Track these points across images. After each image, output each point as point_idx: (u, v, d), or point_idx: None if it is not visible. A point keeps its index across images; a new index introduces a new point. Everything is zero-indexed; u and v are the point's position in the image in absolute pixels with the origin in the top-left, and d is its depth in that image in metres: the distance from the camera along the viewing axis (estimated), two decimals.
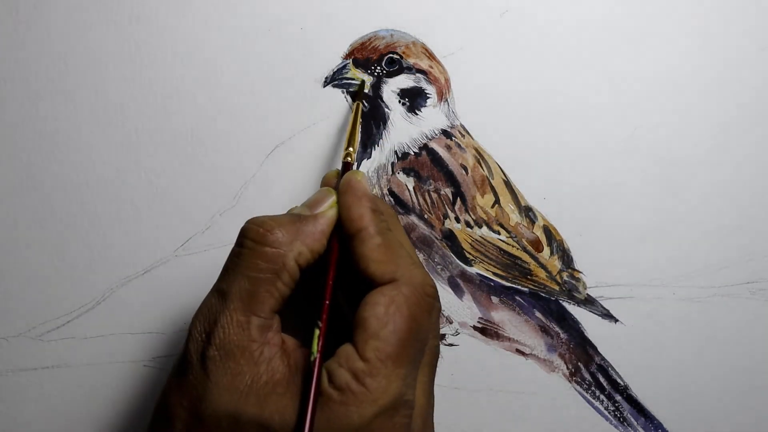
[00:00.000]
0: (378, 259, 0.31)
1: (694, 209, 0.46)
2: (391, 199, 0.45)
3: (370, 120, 0.45)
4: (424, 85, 0.45)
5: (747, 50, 0.46)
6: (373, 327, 0.29)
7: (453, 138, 0.45)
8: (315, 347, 0.30)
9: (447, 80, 0.45)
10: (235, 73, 0.45)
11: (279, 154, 0.45)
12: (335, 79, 0.45)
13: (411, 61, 0.45)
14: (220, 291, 0.32)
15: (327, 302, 0.31)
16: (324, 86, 0.45)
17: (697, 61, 0.46)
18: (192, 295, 0.45)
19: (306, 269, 0.32)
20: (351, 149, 0.39)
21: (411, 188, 0.45)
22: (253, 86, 0.45)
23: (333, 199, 0.34)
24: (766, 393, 0.46)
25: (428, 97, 0.45)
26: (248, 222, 0.32)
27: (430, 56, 0.45)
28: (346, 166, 0.38)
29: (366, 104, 0.45)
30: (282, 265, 0.31)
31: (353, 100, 0.44)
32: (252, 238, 0.32)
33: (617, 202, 0.46)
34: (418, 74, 0.45)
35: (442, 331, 0.45)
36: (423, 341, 0.31)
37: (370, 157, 0.45)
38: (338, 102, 0.45)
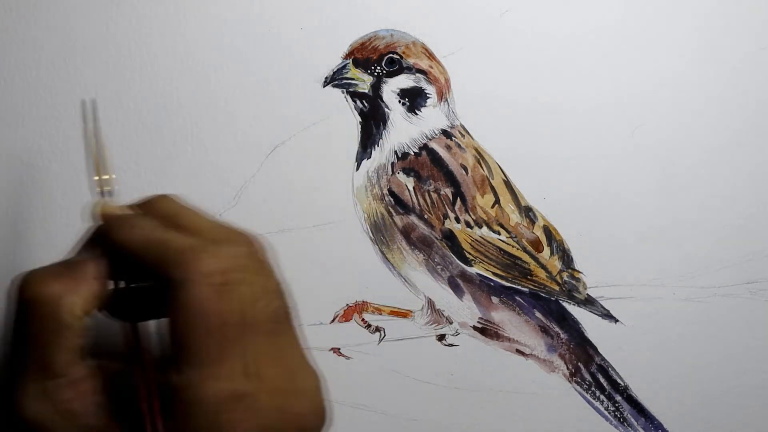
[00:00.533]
0: (160, 264, 0.29)
1: (694, 209, 0.46)
2: (392, 199, 0.45)
3: (370, 120, 0.45)
4: (424, 85, 0.45)
5: (747, 50, 0.46)
6: (179, 339, 0.28)
7: (453, 138, 0.45)
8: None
9: (447, 80, 0.45)
10: (236, 72, 0.45)
11: (279, 154, 0.45)
12: (335, 79, 0.45)
13: (411, 61, 0.45)
14: (17, 362, 0.30)
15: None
16: (324, 86, 0.45)
17: (697, 61, 0.46)
18: None
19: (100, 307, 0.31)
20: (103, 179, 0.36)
21: (411, 188, 0.45)
22: (253, 86, 0.45)
23: (92, 251, 0.32)
24: (766, 393, 0.46)
25: (428, 97, 0.45)
26: (22, 281, 0.31)
27: (430, 56, 0.45)
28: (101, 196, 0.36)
29: (366, 104, 0.45)
30: (60, 322, 0.29)
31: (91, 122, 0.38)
32: (26, 300, 0.30)
33: (617, 203, 0.46)
34: (418, 74, 0.45)
35: (441, 331, 0.45)
36: (236, 326, 0.29)
37: (370, 157, 0.45)
38: (338, 102, 0.45)
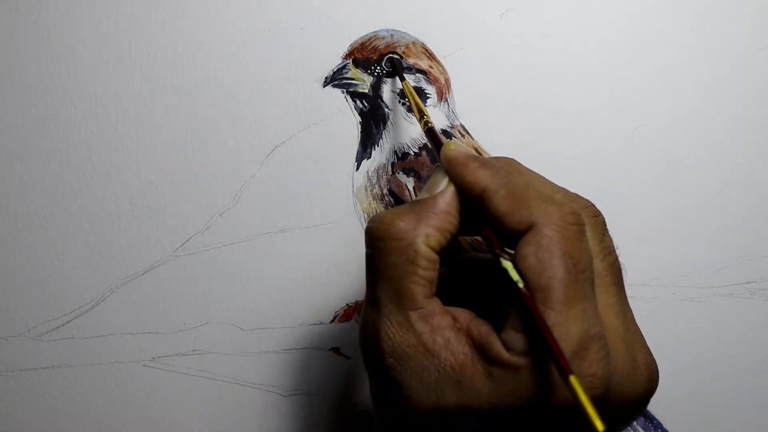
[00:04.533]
0: (508, 210, 0.30)
1: (694, 209, 0.46)
2: (392, 199, 0.45)
3: (370, 120, 0.45)
4: (423, 85, 0.45)
5: (747, 50, 0.46)
6: (533, 281, 0.29)
7: (453, 138, 0.45)
8: (515, 276, 0.29)
9: (447, 80, 0.45)
10: (235, 72, 0.45)
11: (279, 154, 0.45)
12: (335, 79, 0.45)
13: (411, 61, 0.45)
14: (370, 300, 0.31)
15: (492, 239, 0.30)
16: (324, 86, 0.45)
17: (697, 61, 0.46)
18: (192, 295, 0.45)
19: (447, 248, 0.32)
20: (426, 117, 0.39)
21: (411, 188, 0.45)
22: (253, 86, 0.45)
23: (446, 178, 0.33)
24: (766, 393, 0.46)
25: (428, 97, 0.45)
26: (370, 222, 0.32)
27: (430, 56, 0.45)
28: (431, 132, 0.38)
29: (366, 104, 0.45)
30: (414, 252, 0.30)
31: (400, 79, 0.43)
32: (376, 237, 0.31)
33: (617, 202, 0.46)
34: (417, 74, 0.45)
35: None
36: (587, 268, 0.29)
37: (369, 157, 0.45)
38: (338, 102, 0.45)
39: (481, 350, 0.29)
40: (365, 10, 0.45)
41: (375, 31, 0.45)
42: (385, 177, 0.45)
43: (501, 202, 0.30)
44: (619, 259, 0.32)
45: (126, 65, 0.45)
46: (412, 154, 0.45)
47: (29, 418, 0.45)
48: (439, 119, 0.45)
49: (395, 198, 0.45)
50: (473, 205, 0.32)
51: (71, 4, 0.45)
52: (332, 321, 0.45)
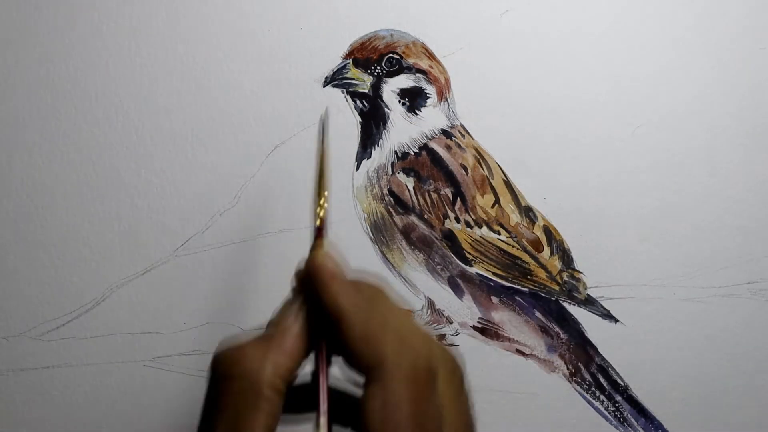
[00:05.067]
0: (361, 350, 0.29)
1: (695, 210, 0.46)
2: (392, 199, 0.45)
3: (370, 120, 0.45)
4: (424, 84, 0.45)
5: (748, 50, 0.46)
6: (377, 425, 0.28)
7: (453, 138, 0.45)
8: None
9: (447, 80, 0.45)
10: (235, 73, 0.45)
11: (279, 154, 0.45)
12: (335, 79, 0.45)
13: (411, 60, 0.45)
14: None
15: (324, 414, 0.30)
16: (324, 86, 0.45)
17: (698, 61, 0.46)
18: (192, 295, 0.45)
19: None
20: (322, 203, 0.36)
21: (411, 188, 0.45)
22: (253, 86, 0.45)
23: (296, 310, 0.32)
24: (766, 393, 0.46)
25: (428, 97, 0.45)
26: (214, 358, 0.30)
27: (430, 56, 0.45)
28: (318, 232, 0.35)
29: (366, 104, 0.45)
30: (258, 394, 0.29)
31: (320, 139, 0.38)
32: (222, 376, 0.30)
33: (618, 203, 0.46)
34: (418, 74, 0.45)
35: (441, 331, 0.45)
36: (435, 418, 0.29)
37: (369, 157, 0.45)
38: (338, 102, 0.45)
39: None
40: (365, 10, 0.45)
41: (375, 31, 0.45)
42: (385, 177, 0.45)
43: (355, 339, 0.29)
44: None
45: (126, 66, 0.45)
46: (412, 154, 0.45)
47: (29, 417, 0.45)
48: (439, 119, 0.45)
49: (395, 198, 0.45)
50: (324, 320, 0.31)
51: (71, 4, 0.45)
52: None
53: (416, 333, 0.31)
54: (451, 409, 0.30)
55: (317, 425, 0.29)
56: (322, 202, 0.35)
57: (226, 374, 0.29)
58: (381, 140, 0.45)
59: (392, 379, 0.28)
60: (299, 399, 0.31)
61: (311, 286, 0.31)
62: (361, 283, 0.32)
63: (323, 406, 0.30)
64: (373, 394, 0.28)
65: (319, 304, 0.30)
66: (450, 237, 0.45)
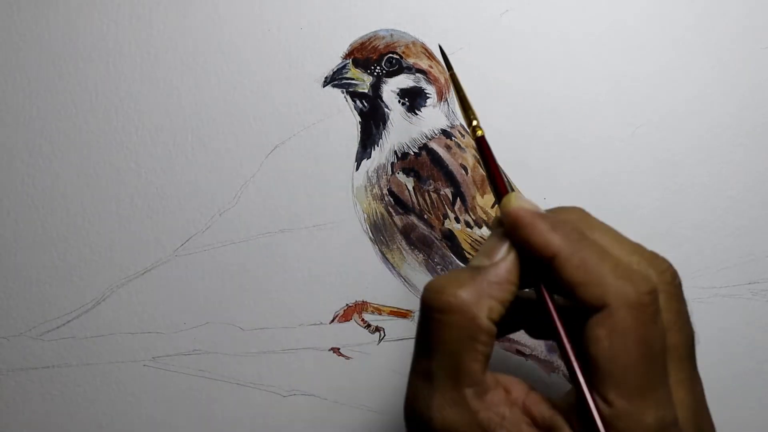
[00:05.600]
0: (580, 283, 0.28)
1: (695, 210, 0.46)
2: (391, 199, 0.45)
3: (370, 120, 0.45)
4: (423, 84, 0.45)
5: (749, 49, 0.46)
6: (605, 367, 0.27)
7: (453, 138, 0.45)
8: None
9: (447, 80, 0.45)
10: (235, 72, 0.45)
11: (279, 154, 0.45)
12: (335, 79, 0.45)
13: (411, 60, 0.45)
14: (423, 372, 0.29)
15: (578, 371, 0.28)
16: (324, 86, 0.45)
17: (698, 60, 0.46)
18: (192, 294, 0.45)
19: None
20: (475, 122, 0.35)
21: (411, 188, 0.45)
22: (252, 86, 0.45)
23: (508, 243, 0.30)
24: (766, 393, 0.46)
25: (428, 97, 0.45)
26: (427, 290, 0.30)
27: (430, 56, 0.45)
28: (481, 142, 0.34)
29: (366, 104, 0.45)
30: (477, 328, 0.28)
31: (449, 68, 0.38)
32: (436, 309, 0.29)
33: (618, 203, 0.46)
34: (417, 74, 0.45)
35: None
36: (661, 351, 0.28)
37: (369, 157, 0.45)
38: (338, 102, 0.45)
39: (545, 429, 0.28)
40: (365, 10, 0.45)
41: (375, 31, 0.45)
42: (384, 177, 0.45)
43: (573, 273, 0.28)
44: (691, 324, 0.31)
45: (126, 65, 0.45)
46: (412, 154, 0.45)
47: (29, 417, 0.45)
48: (439, 119, 0.45)
49: (395, 198, 0.45)
50: (538, 268, 0.30)
51: (71, 4, 0.45)
52: (332, 321, 0.45)
53: (632, 251, 0.30)
54: (674, 321, 0.29)
55: (573, 381, 0.28)
56: (476, 123, 0.35)
57: (442, 308, 0.29)
58: (381, 140, 0.45)
59: (618, 307, 0.28)
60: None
61: (516, 231, 0.30)
62: (562, 212, 0.32)
63: (574, 364, 0.28)
64: (598, 322, 0.28)
65: (527, 247, 0.30)
66: (450, 237, 0.45)
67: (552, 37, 0.45)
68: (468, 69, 0.45)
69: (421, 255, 0.45)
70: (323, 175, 0.45)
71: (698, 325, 0.46)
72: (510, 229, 0.30)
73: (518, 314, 0.32)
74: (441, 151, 0.45)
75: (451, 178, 0.45)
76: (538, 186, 0.46)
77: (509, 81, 0.45)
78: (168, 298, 0.45)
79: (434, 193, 0.45)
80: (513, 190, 0.32)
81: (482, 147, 0.34)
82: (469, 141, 0.45)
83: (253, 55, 0.45)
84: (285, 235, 0.45)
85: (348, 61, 0.45)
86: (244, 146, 0.45)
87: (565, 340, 0.29)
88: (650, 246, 0.46)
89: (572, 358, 0.28)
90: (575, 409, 0.28)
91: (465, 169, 0.45)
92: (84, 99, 0.45)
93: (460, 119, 0.45)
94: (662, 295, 0.29)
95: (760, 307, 0.46)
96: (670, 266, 0.31)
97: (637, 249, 0.31)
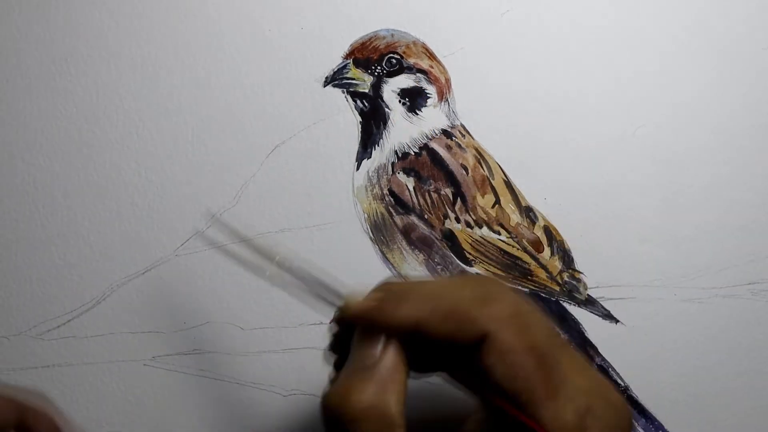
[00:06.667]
0: (453, 331, 0.29)
1: (696, 210, 0.46)
2: (392, 199, 0.45)
3: (371, 120, 0.45)
4: (424, 84, 0.45)
5: (749, 50, 0.46)
6: (511, 387, 0.29)
7: (453, 138, 0.45)
8: None
9: (447, 80, 0.45)
10: (236, 72, 0.45)
11: (279, 154, 0.45)
12: (336, 79, 0.45)
13: (411, 60, 0.45)
14: None
15: None
16: (324, 86, 0.45)
17: (699, 61, 0.46)
18: (192, 294, 0.45)
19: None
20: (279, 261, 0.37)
21: (411, 188, 0.45)
22: (253, 86, 0.45)
23: (381, 336, 0.31)
24: (766, 394, 0.46)
25: (429, 97, 0.45)
26: (330, 403, 0.30)
27: (431, 56, 0.45)
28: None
29: (366, 104, 0.45)
30: (393, 423, 0.29)
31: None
32: (350, 420, 0.29)
33: (618, 203, 0.46)
34: (418, 74, 0.45)
35: None
36: (549, 349, 0.30)
37: (370, 157, 0.45)
38: (339, 102, 0.45)
39: None
40: (366, 10, 0.45)
41: (375, 31, 0.45)
42: (385, 177, 0.45)
43: (441, 327, 0.29)
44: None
45: (127, 65, 0.45)
46: (413, 153, 0.45)
47: None
48: (439, 119, 0.45)
49: (395, 198, 0.45)
50: (408, 341, 0.30)
51: (72, 4, 0.45)
52: (332, 321, 0.45)
53: (464, 284, 0.31)
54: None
55: None
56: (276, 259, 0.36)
57: (355, 415, 0.29)
58: (381, 140, 0.45)
59: (498, 334, 0.29)
60: None
61: (374, 323, 0.31)
62: (385, 288, 0.32)
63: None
64: (487, 352, 0.29)
65: (394, 330, 0.30)
66: (450, 237, 0.45)
67: (552, 38, 0.45)
68: (468, 69, 0.45)
69: (421, 255, 0.45)
70: (324, 175, 0.45)
71: (698, 326, 0.46)
72: (363, 325, 0.31)
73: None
74: (441, 151, 0.45)
75: (451, 178, 0.45)
76: (537, 186, 0.46)
77: (509, 81, 0.45)
78: (168, 297, 0.45)
79: (435, 193, 0.45)
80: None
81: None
82: (469, 141, 0.45)
83: (254, 55, 0.45)
84: (285, 235, 0.45)
85: (349, 61, 0.45)
86: (244, 146, 0.45)
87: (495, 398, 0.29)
88: (651, 246, 0.46)
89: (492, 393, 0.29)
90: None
91: (465, 169, 0.45)
92: (85, 99, 0.45)
93: (461, 119, 0.45)
94: (522, 307, 0.31)
95: (760, 307, 0.46)
96: (510, 290, 0.32)
97: (463, 280, 0.32)
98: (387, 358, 0.30)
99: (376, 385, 0.29)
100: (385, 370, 0.30)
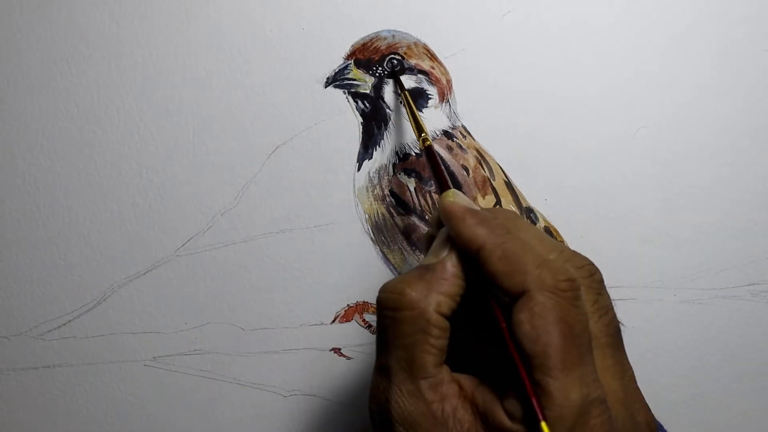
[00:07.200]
0: (503, 273, 0.30)
1: (696, 211, 0.46)
2: (393, 200, 0.45)
3: (372, 121, 0.45)
4: (425, 85, 0.45)
5: (750, 51, 0.46)
6: (529, 348, 0.29)
7: (454, 139, 0.45)
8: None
9: (449, 81, 0.45)
10: (237, 73, 0.45)
11: (280, 155, 0.45)
12: (337, 80, 0.45)
13: (413, 61, 0.45)
14: (381, 368, 0.31)
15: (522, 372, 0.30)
16: (326, 86, 0.45)
17: (699, 61, 0.46)
18: (193, 294, 0.45)
19: (456, 309, 0.32)
20: (425, 134, 0.39)
21: (412, 189, 0.45)
22: (254, 86, 0.45)
23: (448, 247, 0.33)
24: (766, 394, 0.46)
25: (430, 98, 0.45)
26: (381, 291, 0.32)
27: (432, 57, 0.45)
28: (429, 151, 0.38)
29: (368, 105, 0.45)
30: (426, 321, 0.30)
31: (398, 90, 0.43)
32: (389, 307, 0.31)
33: (619, 204, 0.46)
34: (419, 75, 0.45)
35: None
36: (583, 333, 0.30)
37: (371, 158, 0.45)
38: (340, 102, 0.45)
39: (483, 418, 0.29)
40: (367, 10, 0.45)
41: (377, 32, 0.45)
42: (386, 178, 0.45)
43: (496, 264, 0.30)
44: (616, 315, 0.32)
45: (128, 65, 0.45)
46: (414, 154, 0.45)
47: (29, 417, 0.45)
48: (440, 120, 0.45)
49: (396, 199, 0.45)
50: (471, 260, 0.32)
51: (73, 4, 0.45)
52: (333, 321, 0.45)
53: (553, 248, 0.32)
54: (593, 311, 0.31)
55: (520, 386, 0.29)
56: (425, 134, 0.39)
57: (393, 306, 0.31)
58: (382, 141, 0.45)
59: (537, 295, 0.29)
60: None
61: (447, 224, 0.32)
62: (494, 211, 0.33)
63: (509, 341, 0.30)
64: (520, 308, 0.29)
65: (457, 239, 0.32)
66: None
67: (554, 38, 0.45)
68: (469, 69, 0.45)
69: (422, 256, 0.45)
70: (325, 176, 0.45)
71: (698, 327, 0.46)
72: (444, 222, 0.33)
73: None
74: (442, 152, 0.45)
75: (452, 179, 0.45)
76: (538, 187, 0.46)
77: (510, 82, 0.45)
78: (169, 298, 0.45)
79: (436, 194, 0.45)
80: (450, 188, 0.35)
81: (430, 153, 0.38)
82: (470, 142, 0.45)
83: (255, 56, 0.45)
84: (286, 236, 0.45)
85: (350, 62, 0.45)
86: (245, 146, 0.45)
87: (502, 322, 0.30)
88: (651, 247, 0.46)
89: (508, 338, 0.30)
90: (514, 394, 0.29)
91: (466, 170, 0.45)
92: (85, 99, 0.45)
93: (462, 120, 0.45)
94: (589, 287, 0.31)
95: (761, 308, 0.46)
96: (589, 264, 0.32)
97: (559, 246, 0.32)
98: (447, 263, 0.32)
99: (424, 284, 0.31)
100: (440, 273, 0.31)
